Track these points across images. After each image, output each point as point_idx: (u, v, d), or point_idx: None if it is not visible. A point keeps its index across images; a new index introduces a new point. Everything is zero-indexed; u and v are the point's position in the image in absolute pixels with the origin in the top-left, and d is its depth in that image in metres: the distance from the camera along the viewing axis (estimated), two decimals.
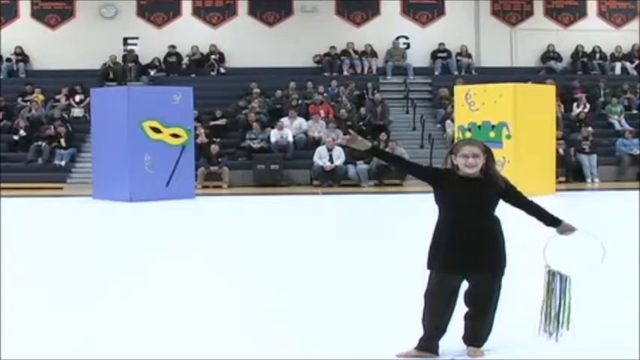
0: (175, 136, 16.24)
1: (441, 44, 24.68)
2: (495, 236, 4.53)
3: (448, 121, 20.52)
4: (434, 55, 24.81)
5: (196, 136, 18.34)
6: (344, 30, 24.84)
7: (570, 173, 19.80)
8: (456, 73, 24.03)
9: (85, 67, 23.34)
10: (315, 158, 19.44)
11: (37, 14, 24.43)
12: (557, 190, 16.48)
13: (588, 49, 25.10)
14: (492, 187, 4.53)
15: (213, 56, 24.16)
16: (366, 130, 20.15)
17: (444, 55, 24.67)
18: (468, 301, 4.59)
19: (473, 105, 16.47)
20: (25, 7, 24.34)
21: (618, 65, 24.99)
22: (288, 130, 20.55)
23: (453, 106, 18.47)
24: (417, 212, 9.75)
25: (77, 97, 22.39)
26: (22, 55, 24.01)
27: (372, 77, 23.98)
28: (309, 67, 24.50)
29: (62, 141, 20.25)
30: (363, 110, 21.75)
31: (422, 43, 24.79)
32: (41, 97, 22.46)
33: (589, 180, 19.84)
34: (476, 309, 4.57)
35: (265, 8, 24.81)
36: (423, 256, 4.59)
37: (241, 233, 11.14)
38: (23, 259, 8.59)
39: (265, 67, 23.85)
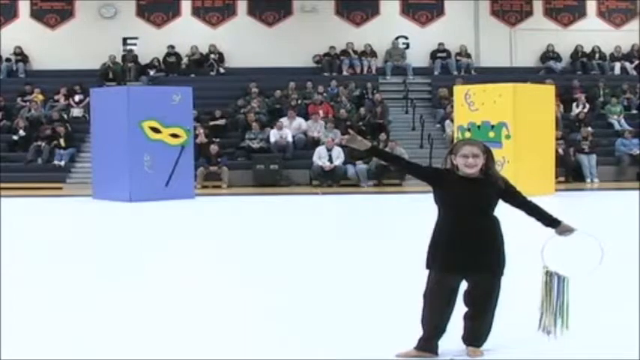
0: (175, 136, 16.25)
1: (440, 44, 24.70)
2: (495, 236, 4.53)
3: (447, 121, 20.53)
4: (433, 55, 24.82)
5: (196, 136, 18.35)
6: (343, 30, 24.85)
7: (570, 173, 19.81)
8: (455, 73, 24.04)
9: (84, 67, 23.35)
10: (315, 158, 19.44)
11: (37, 14, 24.43)
12: (556, 190, 16.48)
13: (588, 49, 25.11)
14: (492, 188, 4.53)
15: (212, 56, 24.17)
16: (365, 130, 20.14)
17: (444, 55, 24.68)
18: (467, 301, 4.59)
19: (472, 105, 16.47)
20: (24, 7, 24.34)
21: (618, 65, 25.00)
22: (288, 130, 20.55)
23: (452, 106, 18.46)
24: (416, 212, 9.74)
25: (77, 97, 22.39)
26: (21, 55, 24.01)
27: (371, 77, 23.99)
28: (309, 67, 24.51)
29: (62, 141, 20.25)
30: (362, 110, 21.75)
31: (421, 43, 24.81)
32: (41, 97, 22.46)
33: (588, 180, 19.84)
34: (475, 309, 4.57)
35: (265, 8, 24.82)
36: (422, 256, 4.59)
37: (241, 233, 11.14)
38: (23, 259, 8.59)
39: (265, 67, 23.85)
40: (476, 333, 4.63)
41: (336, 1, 25.00)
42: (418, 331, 4.61)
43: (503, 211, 4.64)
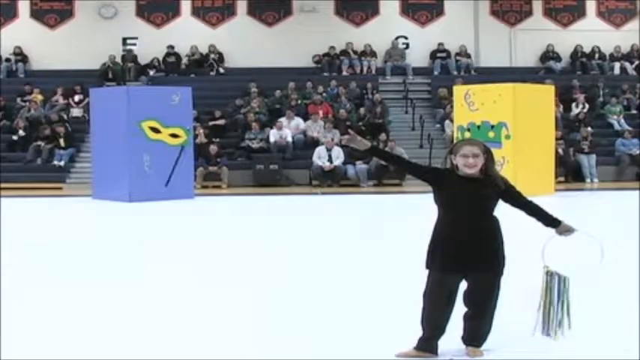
0: (174, 136, 16.25)
1: (440, 44, 24.69)
2: (495, 236, 4.53)
3: (447, 121, 20.52)
4: (433, 55, 24.82)
5: (195, 136, 18.35)
6: (343, 30, 24.85)
7: (569, 173, 19.81)
8: (455, 73, 24.03)
9: (84, 67, 23.35)
10: (315, 158, 19.44)
11: (37, 14, 24.43)
12: (556, 190, 16.47)
13: (587, 49, 25.11)
14: (492, 188, 4.52)
15: (212, 56, 24.16)
16: (365, 130, 20.13)
17: (443, 55, 24.67)
18: (467, 301, 4.59)
19: (472, 105, 16.47)
20: (24, 7, 24.33)
21: (617, 65, 24.99)
22: (288, 130, 20.55)
23: (452, 106, 18.46)
24: (416, 212, 9.75)
25: (76, 97, 22.38)
26: (21, 55, 24.00)
27: (371, 77, 23.98)
28: (309, 67, 24.50)
29: (61, 141, 20.25)
30: (362, 110, 21.76)
31: (421, 43, 24.81)
32: (40, 97, 22.46)
33: (588, 180, 19.84)
34: (475, 309, 4.57)
35: (264, 8, 24.82)
36: (422, 256, 4.59)
37: (241, 233, 11.13)
38: (23, 260, 8.59)
39: (264, 67, 23.85)
40: (476, 333, 4.62)
41: (336, 1, 25.00)
42: (418, 331, 4.61)
43: (503, 211, 4.64)
